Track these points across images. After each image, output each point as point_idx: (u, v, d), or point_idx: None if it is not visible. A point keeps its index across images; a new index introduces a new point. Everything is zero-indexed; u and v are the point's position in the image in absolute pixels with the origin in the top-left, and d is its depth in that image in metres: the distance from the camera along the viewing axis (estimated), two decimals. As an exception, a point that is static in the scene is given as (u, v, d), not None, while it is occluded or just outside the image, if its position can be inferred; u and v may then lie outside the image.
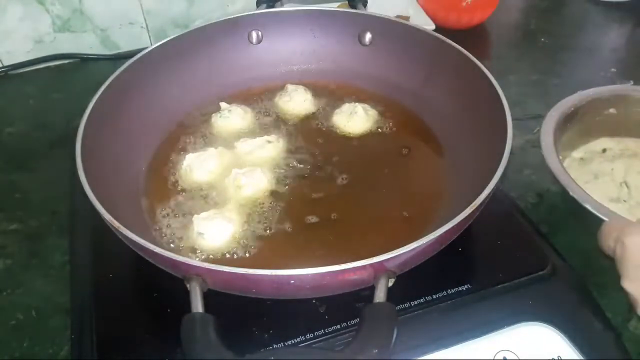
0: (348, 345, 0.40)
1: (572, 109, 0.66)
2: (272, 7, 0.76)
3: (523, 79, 0.89)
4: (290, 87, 0.72)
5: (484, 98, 0.59)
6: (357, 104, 0.69)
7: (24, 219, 0.67)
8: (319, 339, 0.49)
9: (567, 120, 0.66)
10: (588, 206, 0.55)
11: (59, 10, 0.90)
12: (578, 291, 0.55)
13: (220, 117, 0.69)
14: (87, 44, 0.95)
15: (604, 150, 0.68)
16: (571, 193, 0.56)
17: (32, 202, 0.70)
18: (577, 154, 0.69)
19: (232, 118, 0.68)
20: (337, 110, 0.70)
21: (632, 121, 0.69)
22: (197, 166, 0.62)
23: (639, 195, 0.63)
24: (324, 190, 0.61)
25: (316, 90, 0.74)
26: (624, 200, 0.62)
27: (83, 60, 0.96)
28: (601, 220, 0.54)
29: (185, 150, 0.65)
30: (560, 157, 0.61)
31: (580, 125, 0.68)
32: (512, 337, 0.49)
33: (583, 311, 0.53)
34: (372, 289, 0.43)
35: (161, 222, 0.57)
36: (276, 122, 0.70)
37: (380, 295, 0.42)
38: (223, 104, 0.70)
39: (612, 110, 0.69)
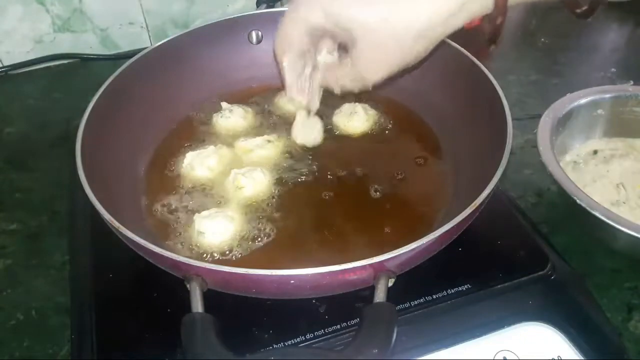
0: (348, 345, 0.40)
1: (564, 112, 0.66)
2: (272, 7, 0.76)
3: (523, 79, 0.89)
4: (290, 87, 0.72)
5: (484, 98, 0.59)
6: (357, 103, 0.69)
7: (24, 219, 0.67)
8: (319, 339, 0.49)
9: (560, 124, 0.66)
10: (597, 213, 0.54)
11: (58, 10, 0.90)
12: (578, 291, 0.55)
13: (221, 116, 0.69)
14: (87, 44, 0.95)
15: (595, 152, 0.68)
16: (578, 201, 0.56)
17: (32, 202, 0.70)
18: (569, 157, 0.69)
19: (233, 118, 0.68)
20: (337, 110, 0.70)
21: (620, 121, 0.69)
22: (197, 164, 0.62)
23: (636, 196, 0.63)
24: (324, 190, 0.61)
25: (316, 90, 0.74)
26: (623, 202, 0.62)
27: (83, 60, 0.96)
28: (602, 222, 0.54)
29: (185, 149, 0.65)
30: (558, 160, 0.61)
31: (570, 128, 0.68)
32: (512, 337, 0.49)
33: (583, 311, 0.53)
34: (372, 289, 0.43)
35: (161, 221, 0.57)
36: (277, 122, 0.70)
37: (380, 295, 0.42)
38: (224, 104, 0.70)
39: (600, 112, 0.69)
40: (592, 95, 0.68)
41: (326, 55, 0.54)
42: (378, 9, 0.45)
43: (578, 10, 0.50)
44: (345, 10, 0.46)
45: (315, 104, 0.59)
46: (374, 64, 0.48)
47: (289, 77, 0.54)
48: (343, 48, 0.52)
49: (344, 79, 0.51)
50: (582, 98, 0.68)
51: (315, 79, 0.55)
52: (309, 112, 0.61)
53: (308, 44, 0.51)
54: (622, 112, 0.69)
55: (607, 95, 0.69)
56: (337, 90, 0.54)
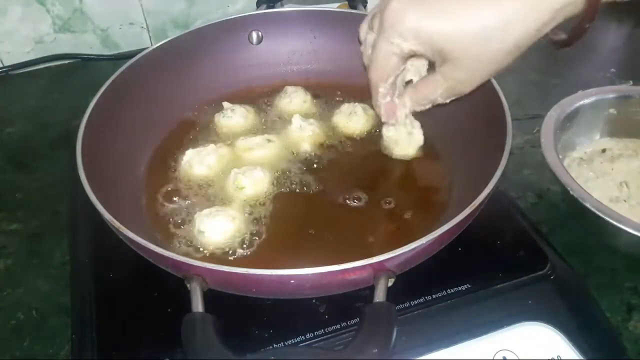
0: (348, 345, 0.40)
1: (573, 108, 0.66)
2: (272, 7, 0.77)
3: (523, 79, 0.89)
4: (289, 88, 0.72)
5: (483, 98, 0.59)
6: (356, 104, 0.69)
7: (24, 219, 0.67)
8: (319, 338, 0.49)
9: (568, 119, 0.66)
10: (588, 205, 0.55)
11: (59, 10, 0.90)
12: (577, 291, 0.55)
13: (223, 116, 0.69)
14: (87, 44, 0.95)
15: (604, 151, 0.68)
16: (571, 192, 0.56)
17: (33, 202, 0.70)
18: (576, 153, 0.69)
19: (234, 117, 0.69)
20: (337, 111, 0.70)
21: (632, 121, 0.69)
22: (196, 162, 0.62)
23: (639, 195, 0.63)
24: (323, 190, 0.61)
25: (316, 91, 0.74)
26: (624, 200, 0.62)
27: (83, 61, 0.96)
28: (601, 219, 0.54)
29: (185, 149, 0.65)
30: (560, 157, 0.61)
31: (580, 125, 0.68)
32: (512, 336, 0.49)
33: (582, 311, 0.53)
34: (371, 288, 0.43)
35: (162, 221, 0.58)
36: (277, 122, 0.70)
37: (380, 295, 0.42)
38: (226, 104, 0.70)
39: (612, 111, 0.69)
40: (602, 94, 0.68)
41: (414, 74, 0.57)
42: (472, 29, 0.46)
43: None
44: (439, 33, 0.47)
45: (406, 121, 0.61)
46: (469, 78, 0.50)
47: (384, 103, 0.56)
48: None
49: (435, 94, 0.53)
50: (591, 96, 0.68)
51: (406, 99, 0.57)
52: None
53: (400, 70, 0.53)
54: (633, 112, 0.69)
55: (619, 95, 0.69)
56: (425, 106, 0.56)
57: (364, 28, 0.56)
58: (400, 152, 0.64)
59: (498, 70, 0.50)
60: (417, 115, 0.60)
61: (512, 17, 0.45)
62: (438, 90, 0.53)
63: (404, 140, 0.63)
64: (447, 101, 0.54)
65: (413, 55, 0.51)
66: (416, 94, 0.55)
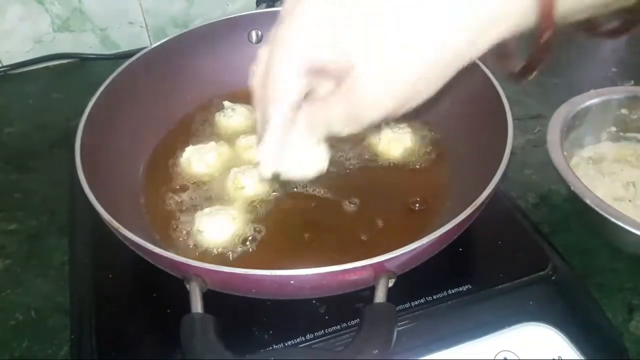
0: (348, 346, 0.40)
1: (583, 106, 0.65)
2: (272, 6, 0.76)
3: (523, 79, 0.89)
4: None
5: (484, 98, 0.59)
6: (357, 103, 0.69)
7: (24, 219, 0.67)
8: (319, 339, 0.49)
9: (578, 118, 0.65)
10: (588, 201, 0.54)
11: (58, 9, 0.90)
12: (578, 291, 0.54)
13: (224, 115, 0.69)
14: (86, 44, 0.95)
15: (614, 151, 0.68)
16: (572, 188, 0.56)
17: (32, 202, 0.70)
18: (586, 152, 0.68)
19: (235, 117, 0.68)
20: (337, 110, 0.70)
21: None
22: (196, 159, 0.62)
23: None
24: (324, 190, 0.60)
25: (316, 90, 0.74)
26: (629, 200, 0.62)
27: (82, 60, 0.96)
28: (601, 217, 0.54)
29: (184, 148, 0.65)
30: (566, 154, 0.60)
31: (590, 124, 0.67)
32: (513, 337, 0.49)
33: (583, 311, 0.53)
34: (372, 289, 0.43)
35: (161, 221, 0.57)
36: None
37: (380, 296, 0.42)
38: (227, 103, 0.70)
39: (624, 111, 0.68)
40: (615, 94, 0.67)
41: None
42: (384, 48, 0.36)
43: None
44: (348, 42, 0.36)
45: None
46: (373, 96, 0.38)
47: (275, 136, 0.41)
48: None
49: (333, 121, 0.40)
50: (603, 95, 0.67)
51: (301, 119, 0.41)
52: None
53: (305, 88, 0.39)
54: None
55: (632, 95, 0.68)
56: (319, 137, 0.43)
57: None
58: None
59: (411, 96, 0.40)
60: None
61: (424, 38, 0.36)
62: (336, 116, 0.40)
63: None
64: (344, 134, 0.41)
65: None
66: (312, 119, 0.41)
